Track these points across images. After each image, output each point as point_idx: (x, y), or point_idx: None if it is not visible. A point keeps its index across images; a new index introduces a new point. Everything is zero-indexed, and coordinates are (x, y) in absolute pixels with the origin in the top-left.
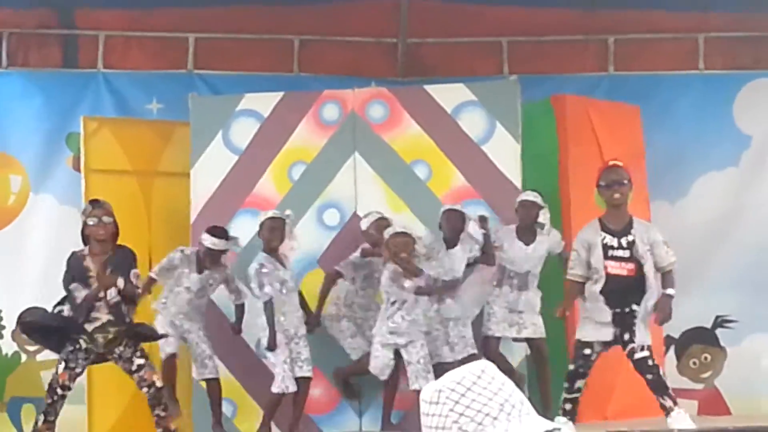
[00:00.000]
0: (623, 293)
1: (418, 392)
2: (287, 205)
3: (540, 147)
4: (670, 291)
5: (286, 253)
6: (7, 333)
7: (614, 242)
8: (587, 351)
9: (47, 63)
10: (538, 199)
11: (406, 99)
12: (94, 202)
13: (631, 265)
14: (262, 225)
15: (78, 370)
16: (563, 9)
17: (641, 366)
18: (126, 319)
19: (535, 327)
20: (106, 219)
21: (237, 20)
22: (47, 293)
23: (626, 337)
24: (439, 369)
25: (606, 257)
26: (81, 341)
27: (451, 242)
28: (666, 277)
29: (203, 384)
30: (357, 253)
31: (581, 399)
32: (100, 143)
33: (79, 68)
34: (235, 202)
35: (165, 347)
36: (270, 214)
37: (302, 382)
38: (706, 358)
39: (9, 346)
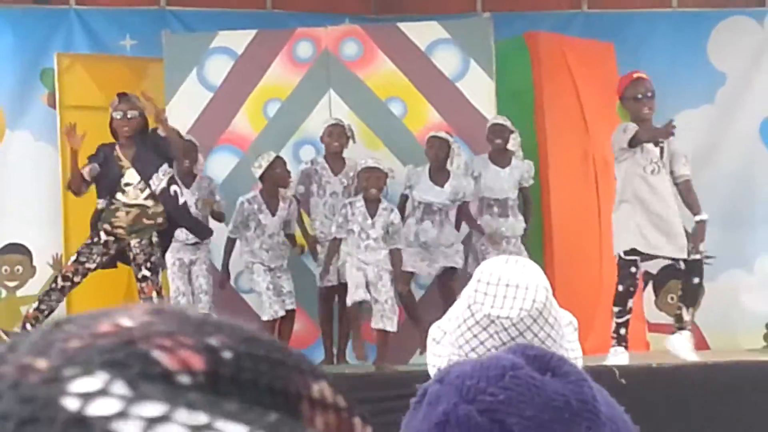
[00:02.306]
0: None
1: (380, 331)
2: (263, 143)
3: (514, 84)
4: (700, 217)
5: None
6: None
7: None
8: (633, 269)
9: (18, 0)
10: (508, 123)
11: (380, 37)
12: (121, 96)
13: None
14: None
15: (89, 265)
16: None
17: (694, 267)
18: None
19: (519, 251)
20: (131, 113)
21: None
22: (24, 229)
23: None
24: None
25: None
26: (102, 233)
27: (434, 169)
28: (684, 190)
29: None
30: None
31: None
32: (74, 80)
33: (51, 5)
34: (210, 138)
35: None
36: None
37: (287, 315)
38: None
39: None
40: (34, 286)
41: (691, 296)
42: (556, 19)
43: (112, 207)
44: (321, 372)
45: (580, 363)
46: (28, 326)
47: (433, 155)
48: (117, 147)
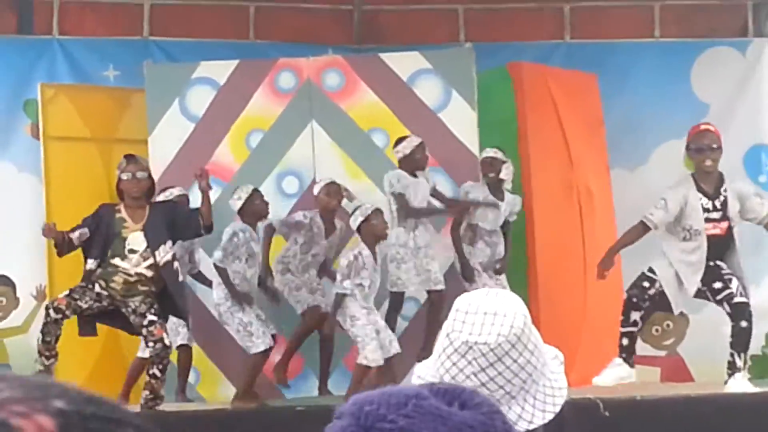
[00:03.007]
0: (713, 252)
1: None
2: (246, 174)
3: (497, 114)
4: None
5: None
6: None
7: (709, 205)
8: (646, 284)
9: (1, 29)
10: (499, 155)
11: (362, 67)
12: (129, 157)
13: (724, 224)
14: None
15: (81, 304)
16: None
17: (739, 311)
18: (162, 284)
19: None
20: (140, 174)
21: None
22: (7, 261)
23: (718, 285)
24: (397, 296)
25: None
26: (96, 285)
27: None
28: None
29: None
30: (299, 215)
31: None
32: (58, 110)
33: (35, 35)
34: (193, 169)
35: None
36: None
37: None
38: (668, 326)
39: None
40: (18, 317)
41: (740, 341)
42: (538, 50)
43: (110, 270)
44: (147, 427)
45: (564, 393)
46: (39, 366)
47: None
48: (122, 208)
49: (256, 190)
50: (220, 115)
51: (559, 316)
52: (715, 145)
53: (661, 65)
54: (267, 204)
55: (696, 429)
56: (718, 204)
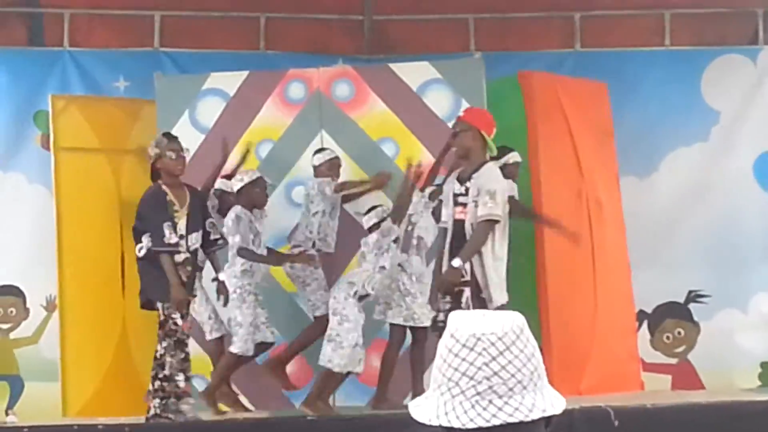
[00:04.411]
0: (458, 242)
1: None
2: None
3: (507, 123)
4: (455, 262)
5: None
6: None
7: (461, 189)
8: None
9: (12, 41)
10: None
11: (371, 77)
12: (168, 135)
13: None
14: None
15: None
16: None
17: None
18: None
19: None
20: (184, 153)
21: None
22: (17, 271)
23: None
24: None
25: (454, 204)
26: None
27: None
28: (477, 229)
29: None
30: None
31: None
32: (68, 121)
33: (45, 46)
34: (203, 180)
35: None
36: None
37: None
38: (679, 333)
39: None
40: (28, 328)
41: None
42: (548, 59)
43: (182, 260)
44: None
45: (563, 403)
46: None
47: None
48: (167, 189)
49: (260, 178)
50: (230, 125)
51: (570, 326)
52: (458, 129)
53: (671, 73)
54: (266, 196)
55: None
56: (464, 189)
